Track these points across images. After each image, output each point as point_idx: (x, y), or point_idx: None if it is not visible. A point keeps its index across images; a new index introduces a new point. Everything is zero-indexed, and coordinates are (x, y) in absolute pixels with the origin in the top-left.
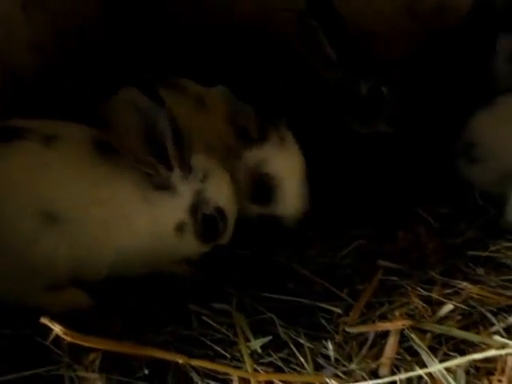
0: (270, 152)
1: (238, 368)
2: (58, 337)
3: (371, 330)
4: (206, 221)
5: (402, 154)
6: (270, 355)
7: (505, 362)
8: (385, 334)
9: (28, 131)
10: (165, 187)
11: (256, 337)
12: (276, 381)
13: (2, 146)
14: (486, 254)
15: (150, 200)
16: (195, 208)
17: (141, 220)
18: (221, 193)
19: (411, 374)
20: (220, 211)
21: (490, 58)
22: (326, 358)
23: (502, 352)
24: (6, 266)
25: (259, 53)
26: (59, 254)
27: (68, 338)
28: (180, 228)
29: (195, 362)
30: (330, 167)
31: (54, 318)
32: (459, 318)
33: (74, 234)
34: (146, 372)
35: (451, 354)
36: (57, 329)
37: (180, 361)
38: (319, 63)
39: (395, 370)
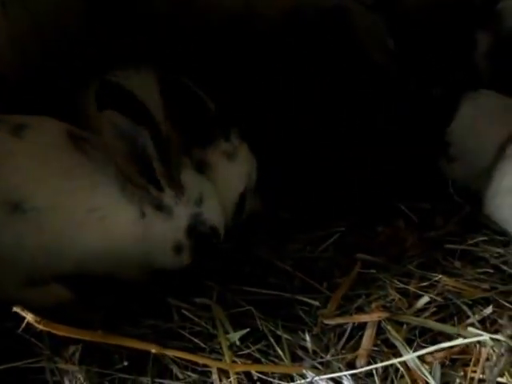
0: None
1: (218, 360)
2: (40, 330)
3: (348, 321)
4: (200, 239)
5: (385, 152)
6: (249, 347)
7: (479, 354)
8: (362, 326)
9: None
10: (159, 208)
11: (235, 330)
12: (254, 372)
13: None
14: (463, 247)
15: (144, 215)
16: (192, 229)
17: (122, 224)
18: (215, 213)
19: (387, 363)
20: (214, 230)
21: (470, 55)
22: (304, 349)
23: (473, 340)
24: None
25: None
26: (24, 245)
27: (40, 326)
28: (177, 249)
29: (170, 352)
30: (313, 163)
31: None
32: (435, 310)
33: (39, 224)
34: (126, 364)
35: (427, 345)
36: (29, 317)
37: (153, 350)
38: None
39: (372, 361)
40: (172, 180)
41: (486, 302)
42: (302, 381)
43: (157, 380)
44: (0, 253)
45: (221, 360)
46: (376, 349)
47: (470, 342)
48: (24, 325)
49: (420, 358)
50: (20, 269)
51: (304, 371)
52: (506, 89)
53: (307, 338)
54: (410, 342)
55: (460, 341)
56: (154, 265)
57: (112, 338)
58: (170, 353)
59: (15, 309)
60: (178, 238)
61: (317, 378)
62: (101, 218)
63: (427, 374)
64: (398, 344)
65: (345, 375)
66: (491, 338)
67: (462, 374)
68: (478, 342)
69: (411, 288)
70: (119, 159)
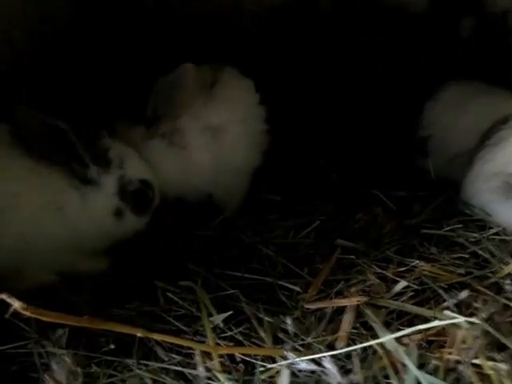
0: None
1: (201, 342)
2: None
3: (328, 305)
4: (135, 196)
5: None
6: (232, 330)
7: (454, 336)
8: (342, 310)
9: None
10: (86, 182)
11: (219, 313)
12: (237, 354)
13: None
14: (439, 232)
15: (81, 192)
16: (122, 191)
17: (74, 210)
18: (138, 168)
19: (365, 344)
20: (144, 182)
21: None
22: (286, 332)
23: (449, 322)
24: None
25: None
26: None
27: (27, 313)
28: (118, 213)
29: (155, 336)
30: (297, 145)
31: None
32: (413, 294)
33: (10, 226)
34: (112, 347)
35: (404, 328)
36: (16, 304)
37: (139, 334)
38: None
39: (351, 343)
40: (96, 159)
41: (461, 287)
42: (284, 362)
43: (142, 361)
44: None
45: (204, 342)
46: (355, 331)
47: (446, 325)
48: (11, 311)
49: (397, 340)
50: None
51: (285, 353)
52: (487, 76)
53: (288, 321)
54: (387, 325)
55: (437, 323)
56: (109, 235)
57: (99, 323)
58: (156, 336)
59: (1, 296)
60: (113, 204)
61: (298, 359)
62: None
63: (404, 355)
64: (376, 327)
65: (325, 356)
66: (467, 321)
67: (438, 355)
68: (454, 324)
69: (389, 273)
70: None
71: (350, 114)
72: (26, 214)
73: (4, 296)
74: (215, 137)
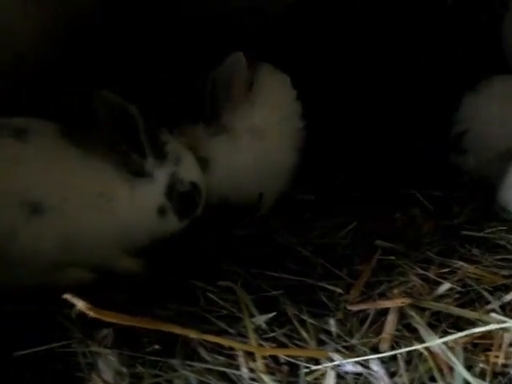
0: None
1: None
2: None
3: (371, 307)
4: (182, 198)
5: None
6: (274, 331)
7: (501, 339)
8: (384, 312)
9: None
10: (140, 174)
11: (260, 313)
12: (281, 355)
13: None
14: (480, 234)
15: (130, 185)
16: (171, 189)
17: (123, 202)
18: (192, 170)
19: (412, 348)
20: (194, 185)
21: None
22: (328, 334)
23: (500, 326)
24: None
25: None
26: (45, 243)
27: (91, 313)
28: (162, 211)
29: (207, 337)
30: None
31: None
32: (456, 296)
33: (57, 221)
34: (157, 347)
35: (449, 330)
36: (80, 304)
37: (192, 335)
38: None
39: (394, 345)
40: (156, 150)
41: (505, 289)
42: (329, 364)
43: (186, 362)
44: (18, 252)
45: (245, 343)
46: (398, 333)
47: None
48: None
49: (443, 342)
50: (36, 265)
51: (330, 354)
52: None
53: (331, 322)
54: (431, 328)
55: (489, 327)
56: (148, 232)
57: (157, 324)
58: (207, 338)
59: (65, 296)
60: (160, 201)
61: (344, 361)
62: (108, 199)
63: (453, 358)
64: (421, 329)
65: (372, 359)
66: None
67: (483, 358)
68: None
69: (431, 274)
70: (107, 128)
71: (384, 112)
72: (74, 206)
73: (68, 296)
74: (258, 137)
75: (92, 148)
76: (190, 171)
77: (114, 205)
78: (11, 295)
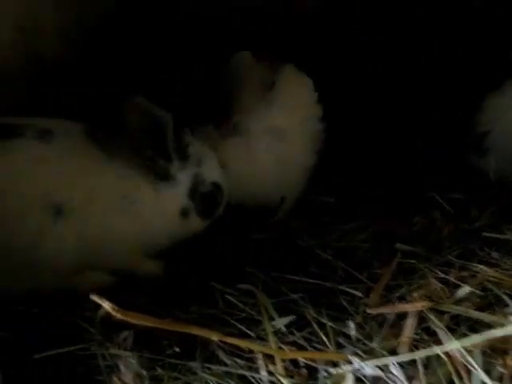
0: None
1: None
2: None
3: (391, 311)
4: (205, 198)
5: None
6: (293, 334)
7: None
8: (403, 315)
9: (23, 128)
10: (164, 178)
11: (279, 316)
12: (300, 359)
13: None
14: (500, 237)
15: (154, 188)
16: (194, 191)
17: (147, 206)
18: (214, 170)
19: (430, 351)
20: (216, 185)
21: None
22: (347, 337)
23: None
24: (15, 262)
25: None
26: (67, 245)
27: (118, 315)
28: (184, 213)
29: (228, 340)
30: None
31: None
32: (476, 300)
33: (80, 224)
34: (177, 350)
35: (468, 334)
36: (106, 306)
37: (214, 338)
38: None
39: (414, 349)
40: (181, 154)
41: None
42: (349, 367)
43: (205, 365)
44: (42, 255)
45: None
46: (417, 337)
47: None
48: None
49: (462, 346)
50: (58, 268)
51: (350, 357)
52: None
53: (351, 325)
54: (450, 331)
55: (508, 330)
56: (171, 235)
57: (178, 326)
58: (228, 340)
59: (92, 297)
60: (183, 203)
61: (363, 364)
62: (132, 202)
63: (472, 361)
64: (440, 333)
65: (392, 362)
66: None
67: (501, 362)
68: None
69: (451, 278)
70: (136, 133)
71: (403, 113)
72: (97, 209)
73: (95, 297)
74: (279, 138)
75: (116, 151)
76: (211, 171)
77: (137, 208)
78: (33, 298)
